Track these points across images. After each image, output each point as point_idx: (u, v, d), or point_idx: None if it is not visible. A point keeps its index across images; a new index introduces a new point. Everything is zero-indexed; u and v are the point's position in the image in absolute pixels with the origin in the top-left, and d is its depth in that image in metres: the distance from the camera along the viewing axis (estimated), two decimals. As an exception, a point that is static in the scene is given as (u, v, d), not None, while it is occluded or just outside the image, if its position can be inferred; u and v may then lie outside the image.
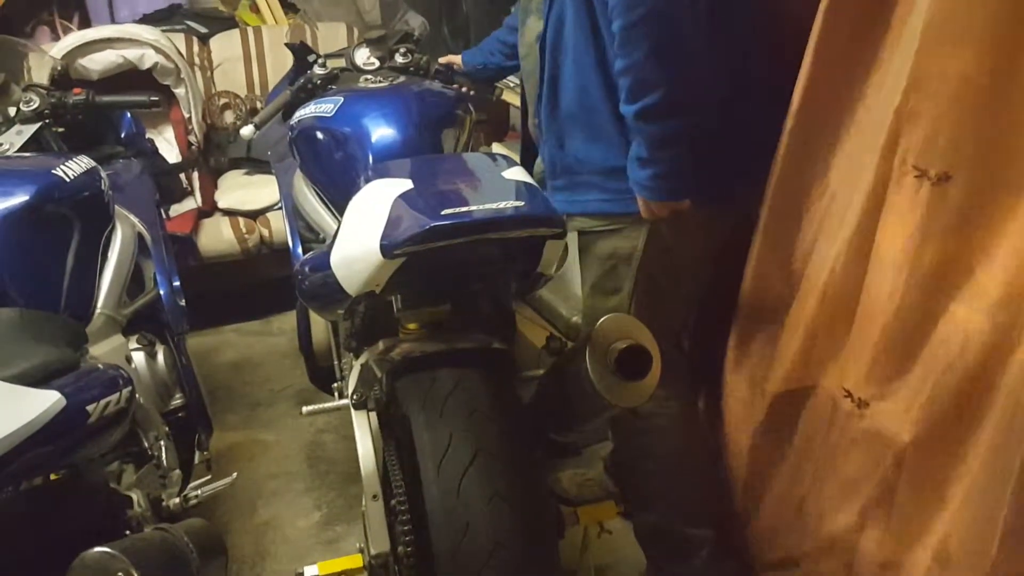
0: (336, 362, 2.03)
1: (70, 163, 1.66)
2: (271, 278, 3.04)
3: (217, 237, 2.99)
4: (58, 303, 1.56)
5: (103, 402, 1.20)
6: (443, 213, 1.15)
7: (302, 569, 1.47)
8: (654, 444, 1.70)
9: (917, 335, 1.25)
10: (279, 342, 3.00)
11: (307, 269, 1.52)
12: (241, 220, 3.03)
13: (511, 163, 1.39)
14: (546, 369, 1.58)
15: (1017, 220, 1.14)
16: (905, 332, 1.26)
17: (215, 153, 3.27)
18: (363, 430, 1.46)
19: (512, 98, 2.48)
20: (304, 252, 1.92)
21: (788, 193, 1.46)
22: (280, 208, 2.45)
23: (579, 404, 1.37)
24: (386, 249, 1.16)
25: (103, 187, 1.73)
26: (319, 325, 2.08)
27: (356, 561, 1.43)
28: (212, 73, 3.38)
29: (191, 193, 3.13)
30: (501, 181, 1.30)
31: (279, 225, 2.92)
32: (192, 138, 3.12)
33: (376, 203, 1.23)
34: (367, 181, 1.34)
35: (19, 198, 1.53)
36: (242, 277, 3.09)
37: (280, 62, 3.28)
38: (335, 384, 2.02)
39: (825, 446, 1.43)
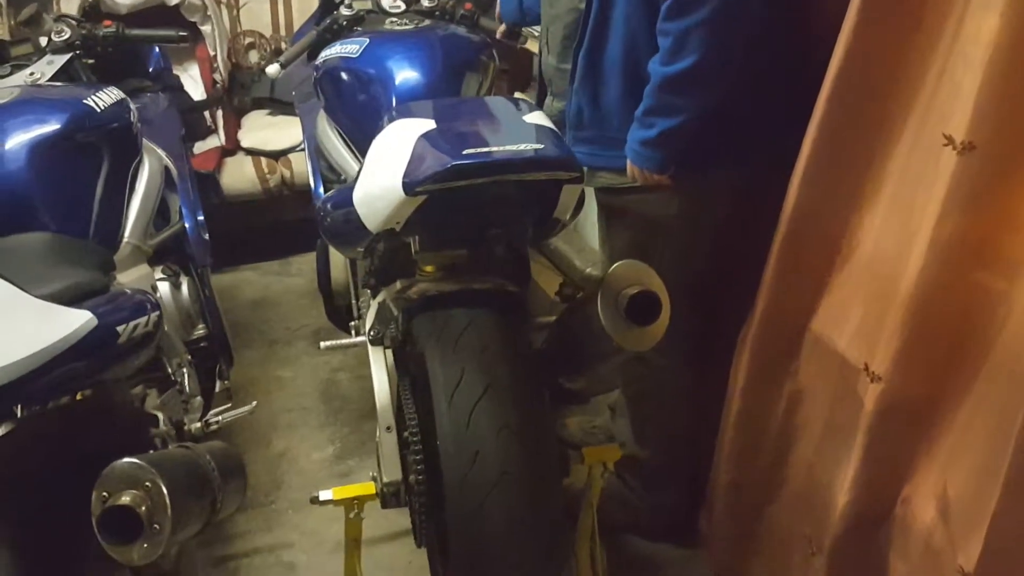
0: (354, 301, 2.07)
1: (100, 94, 1.69)
2: (291, 219, 3.07)
3: (239, 176, 3.03)
4: (87, 230, 1.61)
5: (132, 324, 1.25)
6: (465, 153, 1.17)
7: (317, 493, 1.52)
8: (656, 391, 1.78)
9: (937, 303, 1.25)
10: (297, 282, 3.05)
11: (329, 206, 1.55)
12: (263, 160, 3.06)
13: (532, 107, 1.40)
14: (558, 315, 1.61)
15: None
16: (926, 301, 1.25)
17: (239, 92, 3.29)
18: (379, 365, 1.51)
19: (536, 47, 2.46)
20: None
21: (825, 159, 1.41)
22: (302, 149, 2.48)
23: (589, 347, 1.41)
24: (408, 187, 1.18)
25: (132, 119, 1.76)
26: (338, 265, 2.11)
27: (369, 488, 1.48)
28: (238, 12, 3.38)
29: (215, 131, 3.15)
30: (522, 124, 1.32)
31: (300, 166, 2.95)
32: (217, 76, 3.14)
33: (399, 141, 1.25)
34: (390, 121, 1.35)
35: (51, 126, 1.57)
36: (262, 217, 3.13)
37: (306, 3, 3.26)
38: (352, 323, 2.06)
39: (841, 414, 1.45)
